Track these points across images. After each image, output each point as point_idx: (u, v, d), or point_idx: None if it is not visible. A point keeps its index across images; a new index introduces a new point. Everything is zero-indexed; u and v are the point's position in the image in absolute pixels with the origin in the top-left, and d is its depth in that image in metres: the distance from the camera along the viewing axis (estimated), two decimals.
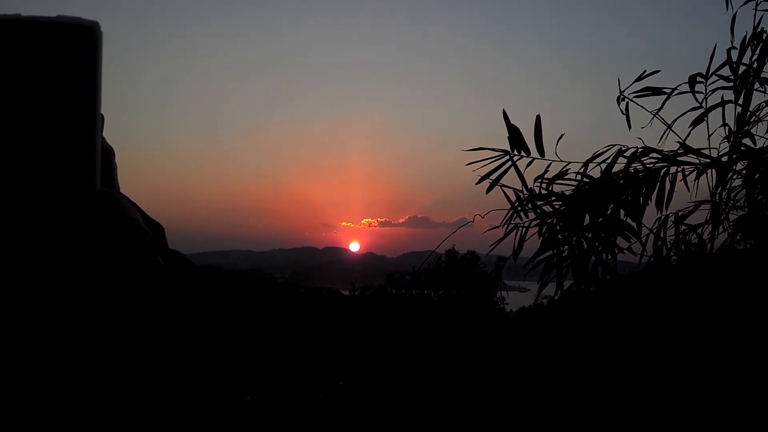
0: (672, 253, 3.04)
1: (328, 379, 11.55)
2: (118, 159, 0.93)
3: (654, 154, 2.89)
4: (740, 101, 2.75)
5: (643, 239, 2.93)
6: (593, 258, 2.94)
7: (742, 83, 2.73)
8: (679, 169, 2.90)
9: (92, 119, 0.65)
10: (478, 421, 8.30)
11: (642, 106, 2.97)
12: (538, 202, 3.01)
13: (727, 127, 2.83)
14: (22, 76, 0.62)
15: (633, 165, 2.90)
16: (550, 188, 3.01)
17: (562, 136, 2.97)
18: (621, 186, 2.90)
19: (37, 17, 0.63)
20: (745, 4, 2.88)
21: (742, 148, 2.79)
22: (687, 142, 2.86)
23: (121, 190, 0.77)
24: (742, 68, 2.76)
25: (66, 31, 0.63)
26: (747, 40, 2.79)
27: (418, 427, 8.80)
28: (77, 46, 0.64)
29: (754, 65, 2.75)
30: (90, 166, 0.64)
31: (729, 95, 2.81)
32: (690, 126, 2.86)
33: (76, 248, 0.63)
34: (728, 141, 2.83)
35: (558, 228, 2.96)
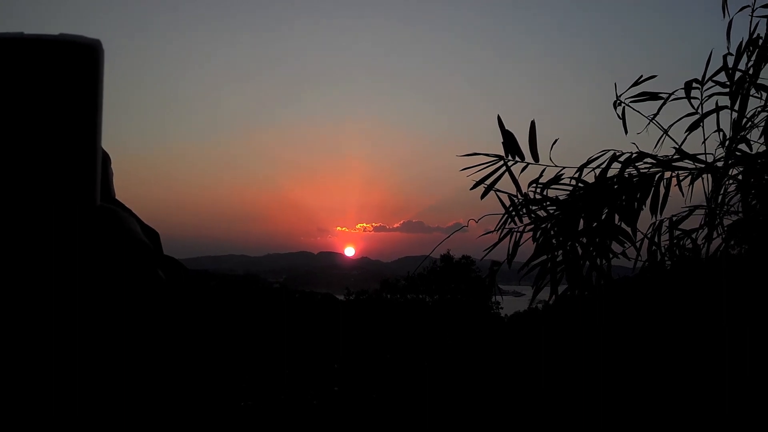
0: (666, 258, 3.05)
1: (323, 384, 11.52)
2: (113, 163, 0.93)
3: (648, 159, 2.90)
4: (736, 107, 2.76)
5: (638, 244, 2.94)
6: (588, 263, 2.94)
7: (738, 89, 2.75)
8: (673, 174, 2.90)
9: (92, 137, 0.64)
10: (473, 424, 8.29)
11: (638, 111, 2.98)
12: (533, 207, 3.02)
13: (721, 133, 2.85)
14: (24, 93, 0.62)
15: (627, 170, 2.91)
16: (544, 193, 3.02)
17: (556, 140, 2.98)
18: (615, 191, 2.91)
19: (39, 35, 0.63)
20: (741, 10, 2.90)
21: (738, 154, 2.80)
22: (683, 147, 2.87)
23: (116, 196, 0.77)
24: (738, 74, 2.78)
25: (68, 49, 0.63)
26: (743, 46, 2.80)
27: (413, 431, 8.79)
28: (79, 64, 0.64)
29: (750, 71, 2.76)
30: (90, 182, 0.64)
31: (725, 101, 2.83)
32: (686, 131, 2.87)
33: (78, 263, 0.63)
34: (722, 147, 2.84)
35: (552, 233, 2.96)
